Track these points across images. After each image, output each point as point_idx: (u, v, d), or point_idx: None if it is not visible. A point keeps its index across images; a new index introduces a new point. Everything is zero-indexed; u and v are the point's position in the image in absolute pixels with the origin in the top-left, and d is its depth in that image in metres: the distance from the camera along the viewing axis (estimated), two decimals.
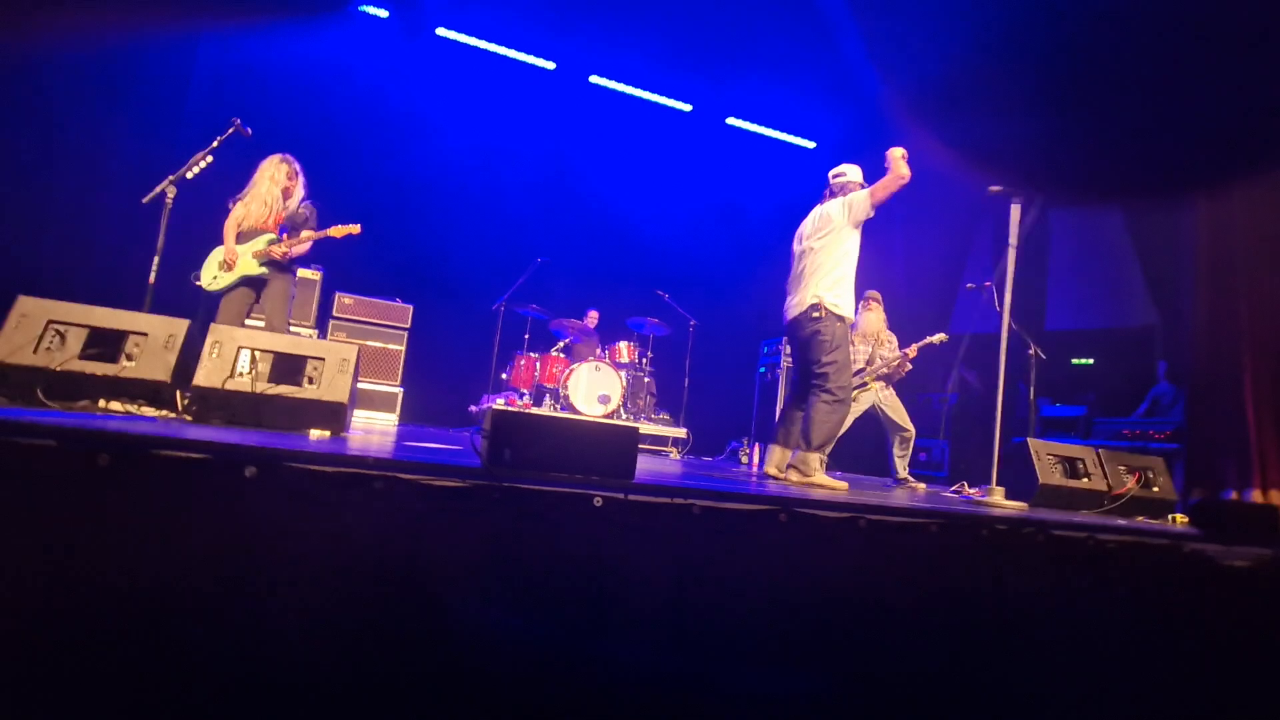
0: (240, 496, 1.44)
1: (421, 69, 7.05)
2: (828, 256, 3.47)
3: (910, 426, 4.94)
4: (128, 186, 4.72)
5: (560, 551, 1.64)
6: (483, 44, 7.35)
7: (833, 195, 3.64)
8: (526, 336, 6.59)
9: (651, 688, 1.65)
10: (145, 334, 2.51)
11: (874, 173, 3.65)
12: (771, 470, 3.53)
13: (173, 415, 2.44)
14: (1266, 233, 5.00)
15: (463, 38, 7.24)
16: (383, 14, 6.84)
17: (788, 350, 6.63)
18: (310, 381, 2.62)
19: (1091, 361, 7.56)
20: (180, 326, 2.58)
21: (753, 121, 8.45)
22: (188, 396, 2.48)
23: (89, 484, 1.35)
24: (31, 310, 2.40)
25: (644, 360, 6.68)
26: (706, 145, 8.28)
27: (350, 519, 1.50)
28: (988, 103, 6.34)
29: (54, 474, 1.34)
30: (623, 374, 6.18)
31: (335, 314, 6.02)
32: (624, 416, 6.26)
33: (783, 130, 8.59)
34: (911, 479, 4.87)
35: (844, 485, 3.30)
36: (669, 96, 8.10)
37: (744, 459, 6.22)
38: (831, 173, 3.73)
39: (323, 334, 5.87)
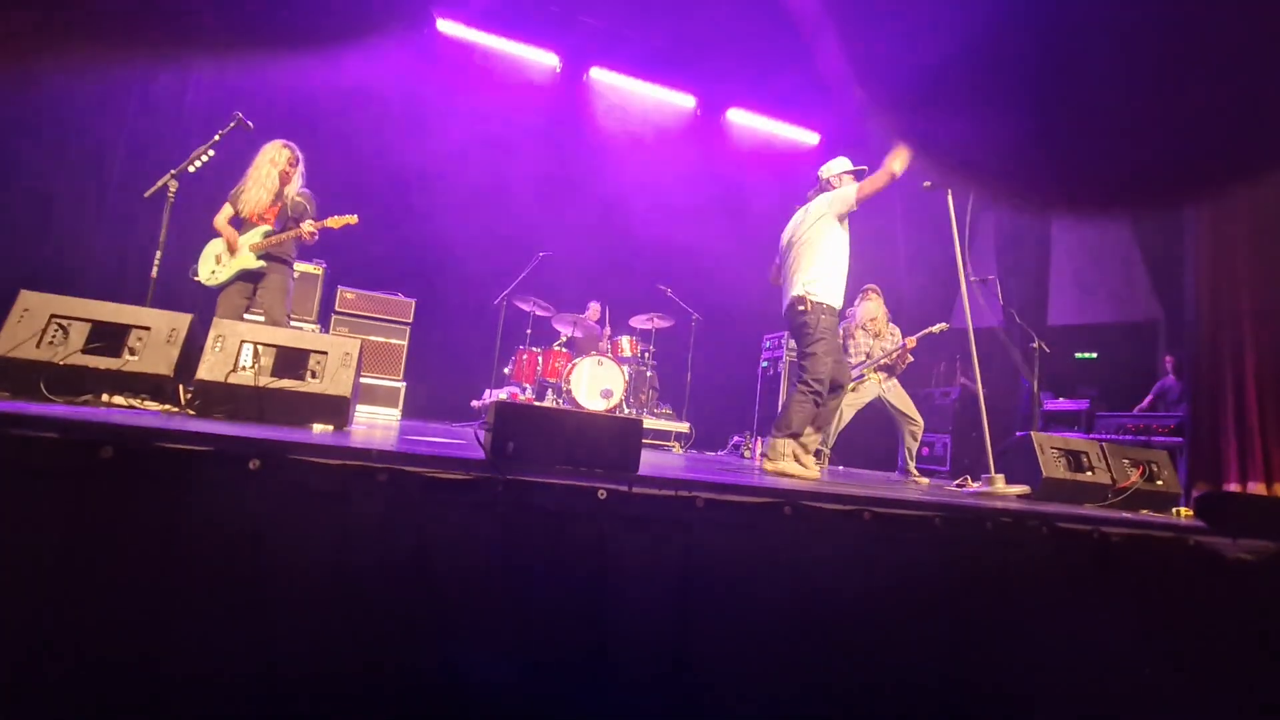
0: (244, 489, 1.43)
1: (423, 62, 7.03)
2: (812, 249, 3.54)
3: (918, 418, 4.94)
4: (130, 180, 4.72)
5: (564, 544, 1.64)
6: (484, 38, 7.33)
7: (819, 191, 3.72)
8: (529, 331, 6.59)
9: (656, 684, 1.65)
10: (148, 328, 2.51)
11: (875, 167, 3.65)
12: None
13: (175, 409, 2.44)
14: (1271, 226, 4.97)
15: (464, 31, 7.22)
16: None
17: (790, 344, 6.63)
18: (313, 376, 2.62)
19: (1095, 356, 7.54)
20: (183, 321, 2.58)
21: (755, 115, 8.43)
22: (190, 391, 2.48)
23: (92, 476, 1.35)
24: (34, 305, 2.41)
25: (646, 354, 6.67)
26: (709, 139, 8.26)
27: (354, 512, 1.50)
28: (987, 96, 6.31)
29: (57, 467, 1.34)
30: (625, 368, 6.18)
31: (338, 308, 6.02)
32: (626, 411, 6.25)
33: (786, 124, 8.58)
34: (916, 473, 4.87)
35: (814, 473, 3.32)
36: (671, 89, 8.08)
37: (746, 453, 6.21)
38: (821, 168, 3.79)
39: (325, 328, 5.87)
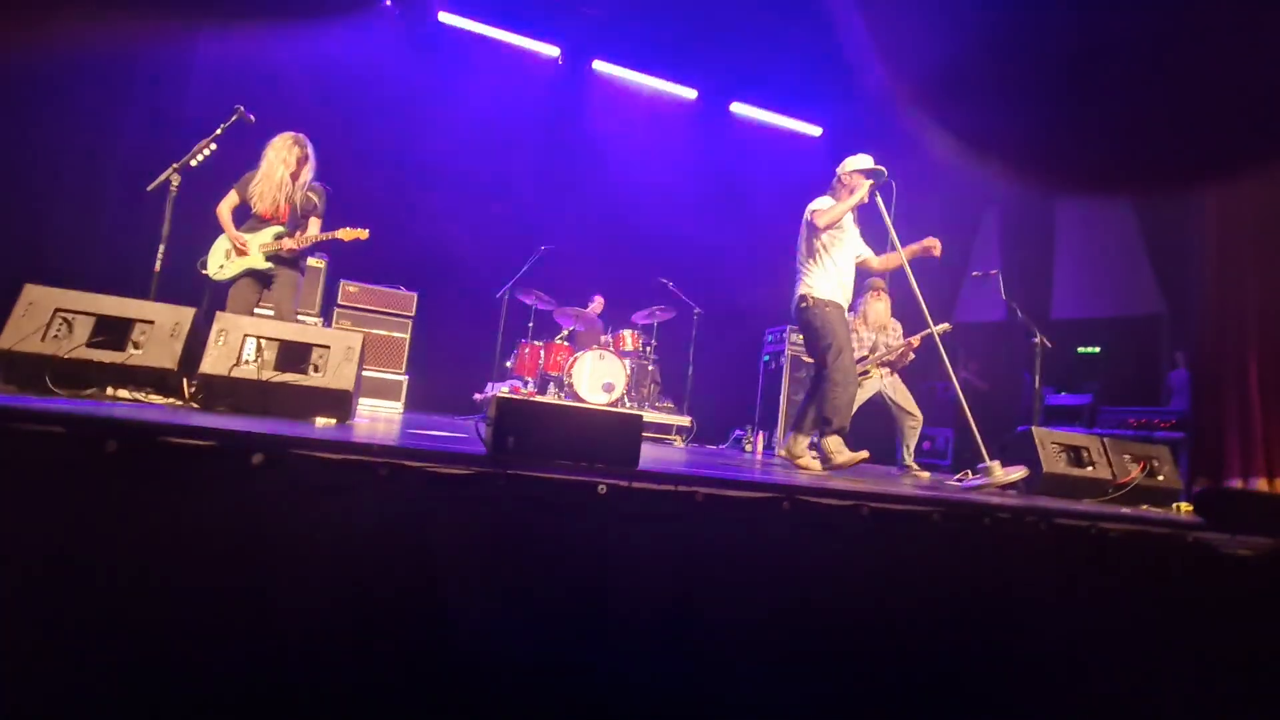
0: (247, 483, 1.45)
1: (424, 55, 7.01)
2: (807, 250, 3.66)
3: (918, 413, 4.95)
4: (132, 174, 4.72)
5: (564, 538, 1.65)
6: (486, 29, 7.30)
7: (831, 188, 3.78)
8: (530, 324, 6.59)
9: (655, 677, 1.66)
10: (152, 322, 2.53)
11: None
12: (782, 453, 3.86)
13: (179, 403, 2.46)
14: (1277, 222, 4.94)
15: (466, 23, 7.19)
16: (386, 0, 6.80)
17: (792, 338, 6.63)
18: (316, 369, 2.63)
19: (1098, 350, 7.52)
20: (186, 314, 2.60)
21: (758, 107, 8.39)
22: (194, 384, 2.50)
23: (97, 470, 1.36)
24: (39, 298, 2.42)
25: (648, 348, 6.67)
26: (711, 132, 8.23)
27: (355, 506, 1.51)
28: (995, 90, 6.27)
29: (62, 460, 1.35)
30: (627, 362, 6.18)
31: (340, 302, 6.03)
32: (628, 404, 6.26)
33: (788, 116, 8.54)
34: (916, 467, 4.88)
35: (816, 466, 3.55)
36: (673, 82, 8.05)
37: (748, 447, 6.22)
38: (841, 163, 3.82)
39: (327, 322, 5.89)
